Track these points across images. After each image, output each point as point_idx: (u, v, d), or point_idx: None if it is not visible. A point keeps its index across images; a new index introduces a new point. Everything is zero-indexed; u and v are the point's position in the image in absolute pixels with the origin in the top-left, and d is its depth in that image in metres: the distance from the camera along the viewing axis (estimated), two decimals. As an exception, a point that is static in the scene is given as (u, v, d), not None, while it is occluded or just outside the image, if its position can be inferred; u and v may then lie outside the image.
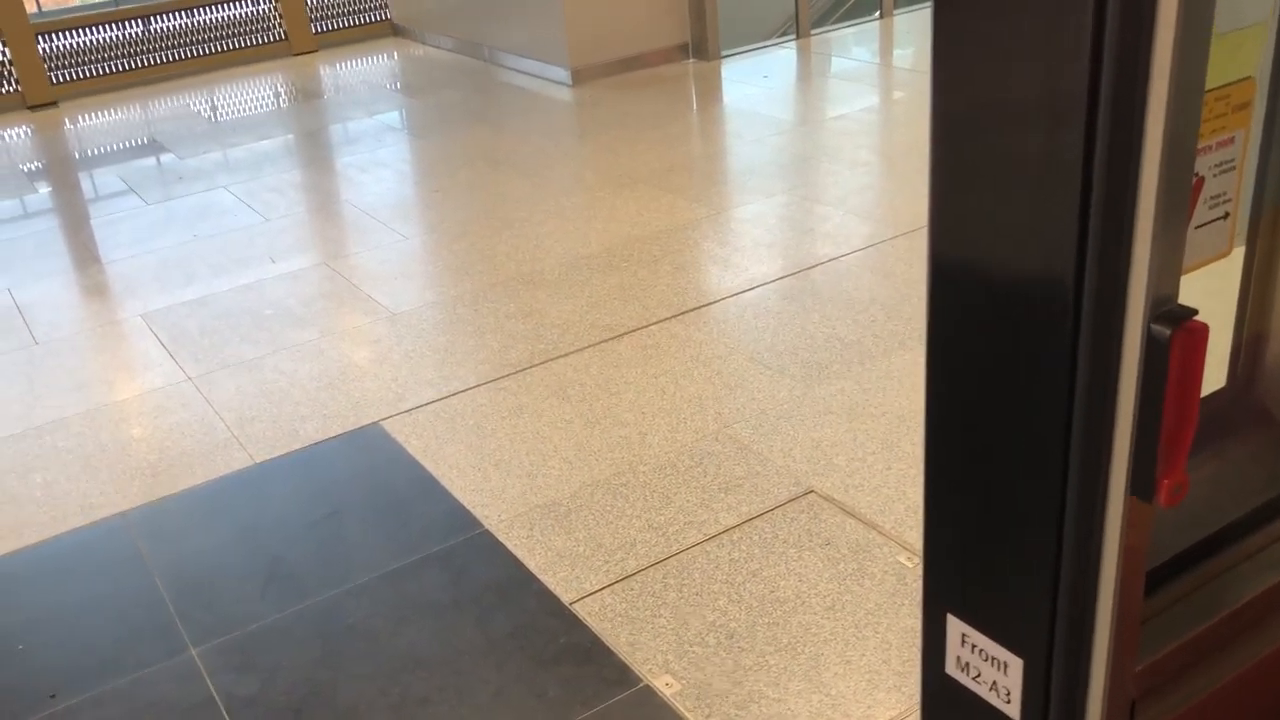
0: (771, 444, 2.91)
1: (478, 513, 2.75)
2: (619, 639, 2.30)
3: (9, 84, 7.38)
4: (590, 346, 3.50)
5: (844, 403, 3.05)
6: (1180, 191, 0.98)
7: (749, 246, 4.18)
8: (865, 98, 5.90)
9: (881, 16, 7.26)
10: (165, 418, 3.35)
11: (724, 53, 6.75)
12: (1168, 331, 0.99)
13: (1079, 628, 1.17)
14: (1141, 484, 1.06)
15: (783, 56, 6.86)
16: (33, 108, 7.36)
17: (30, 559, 2.76)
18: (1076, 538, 1.12)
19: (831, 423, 2.97)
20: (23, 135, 6.90)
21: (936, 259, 1.14)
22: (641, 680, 2.20)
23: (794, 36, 7.04)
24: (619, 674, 2.22)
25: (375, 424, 3.18)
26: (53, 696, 2.31)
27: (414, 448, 3.04)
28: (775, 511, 2.65)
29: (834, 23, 7.46)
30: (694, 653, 2.25)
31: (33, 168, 6.26)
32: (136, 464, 3.12)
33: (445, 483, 2.88)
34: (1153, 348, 1.00)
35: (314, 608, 2.49)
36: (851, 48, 6.90)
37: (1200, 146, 1.05)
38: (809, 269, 3.92)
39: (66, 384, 3.60)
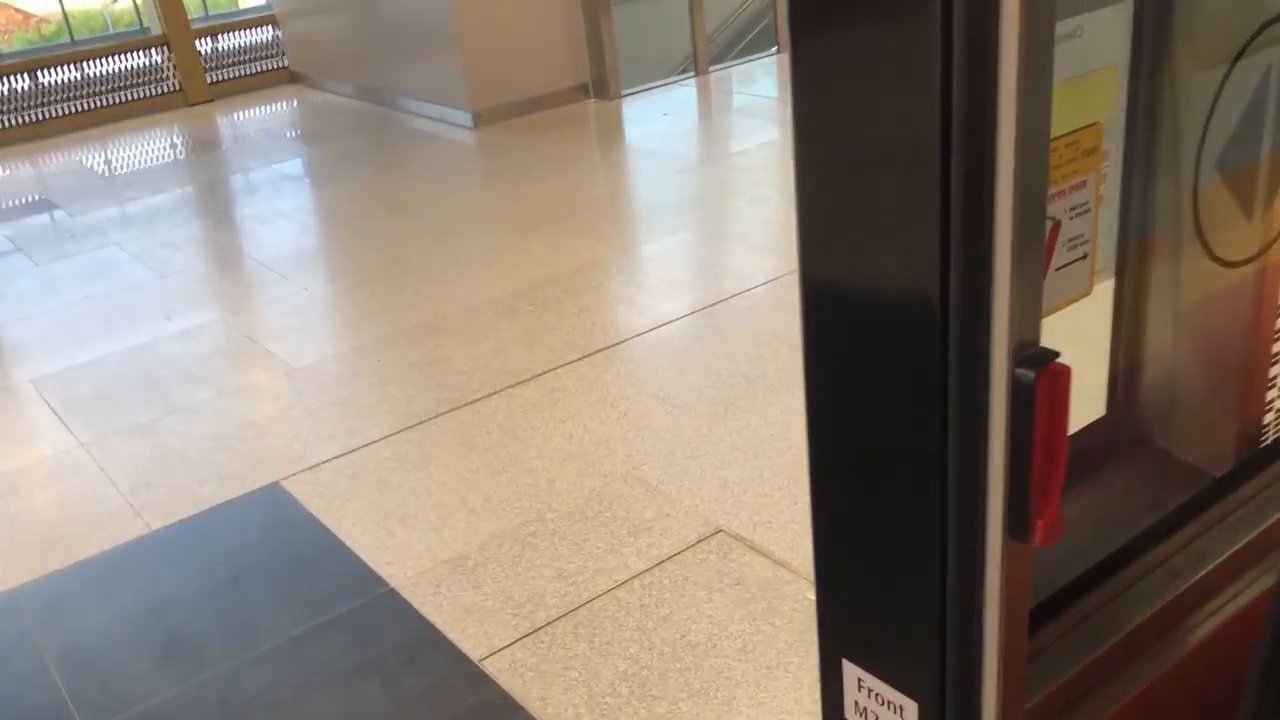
0: (680, 484, 2.90)
1: (382, 571, 2.69)
2: (530, 695, 2.26)
3: (-112, 144, 7.14)
4: (496, 393, 3.47)
5: (750, 439, 3.06)
6: (1034, 236, 0.99)
7: (654, 285, 4.20)
8: (764, 132, 5.98)
9: (779, 51, 7.39)
10: (56, 487, 3.23)
11: (624, 92, 6.80)
12: (1031, 374, 1.00)
13: (967, 669, 1.17)
14: (1017, 525, 1.07)
15: (683, 94, 6.93)
16: (-86, 168, 7.12)
17: (-89, 645, 2.63)
18: (958, 580, 1.12)
19: (738, 460, 2.98)
20: (-96, 197, 6.67)
21: (807, 305, 1.14)
22: (554, 735, 2.16)
23: (693, 74, 7.12)
24: (530, 731, 2.18)
25: (275, 484, 3.10)
26: (-65, 792, 2.19)
27: (315, 506, 2.97)
28: (685, 553, 2.64)
29: (732, 59, 7.57)
30: (607, 704, 2.22)
31: (-85, 230, 6.04)
32: (26, 538, 3.00)
33: (348, 541, 2.82)
34: (1018, 391, 1.01)
35: (215, 680, 2.41)
36: (750, 83, 7.00)
37: (1054, 191, 1.07)
38: (713, 305, 3.94)
39: (-50, 457, 3.46)
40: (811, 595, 2.42)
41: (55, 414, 3.66)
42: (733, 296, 3.98)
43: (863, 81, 1.00)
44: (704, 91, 6.93)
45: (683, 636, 2.38)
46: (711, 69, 7.15)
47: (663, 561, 2.62)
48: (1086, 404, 1.57)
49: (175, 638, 2.55)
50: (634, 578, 2.57)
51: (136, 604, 2.69)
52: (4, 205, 6.34)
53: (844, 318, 1.10)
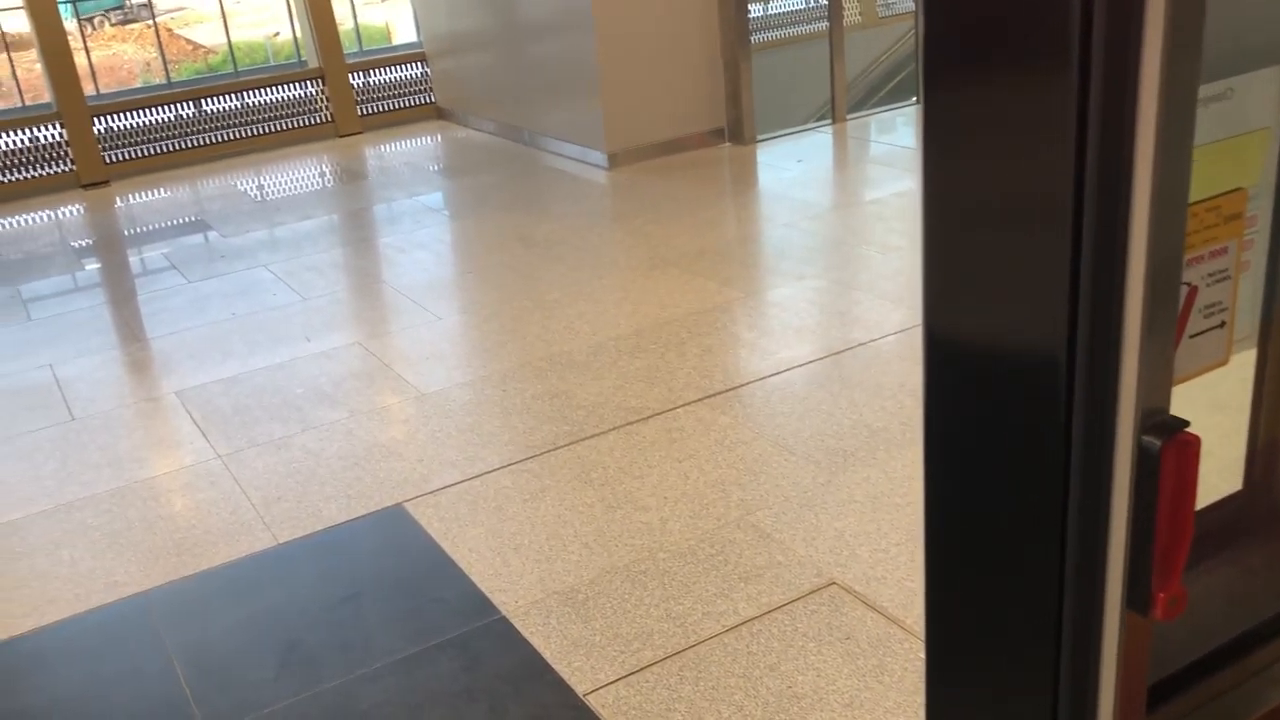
0: (794, 533, 2.88)
1: (495, 598, 2.74)
2: (631, 733, 2.27)
3: (64, 163, 7.61)
4: (615, 429, 3.50)
5: (869, 492, 3.02)
6: (1167, 301, 0.97)
7: (778, 330, 4.19)
8: (899, 182, 5.93)
9: (919, 101, 7.33)
10: (193, 496, 3.38)
11: (760, 137, 6.83)
12: (1158, 443, 0.98)
13: (1080, 743, 1.13)
14: (1137, 598, 1.04)
15: (819, 141, 6.93)
16: (86, 186, 7.58)
17: (54, 636, 2.78)
18: (1074, 649, 1.09)
19: (855, 512, 2.94)
20: (75, 213, 7.10)
21: (930, 360, 1.13)
22: (653, 776, 2.16)
23: (830, 121, 7.11)
24: (630, 769, 2.18)
25: (398, 505, 3.19)
26: (64, 779, 2.31)
27: (435, 530, 3.04)
28: (796, 603, 2.61)
29: (872, 107, 7.53)
30: (707, 749, 2.21)
31: (82, 245, 6.43)
32: (162, 542, 3.14)
33: (464, 566, 2.87)
34: (1144, 460, 0.99)
35: (328, 693, 2.48)
36: (888, 132, 6.96)
37: (1191, 257, 1.05)
38: (838, 354, 3.91)
39: (99, 460, 3.65)
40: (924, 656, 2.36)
41: (196, 425, 3.84)
42: (859, 346, 3.94)
43: (995, 137, 0.99)
44: (840, 139, 6.91)
45: (789, 687, 2.35)
46: (849, 117, 7.14)
47: (772, 610, 2.60)
48: (1222, 477, 1.52)
49: (294, 649, 2.63)
50: (743, 624, 2.56)
51: (259, 613, 2.79)
52: (163, 225, 6.70)
53: (967, 374, 1.09)
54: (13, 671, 2.70)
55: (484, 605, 2.71)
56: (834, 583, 2.67)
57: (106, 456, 3.68)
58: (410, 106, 8.68)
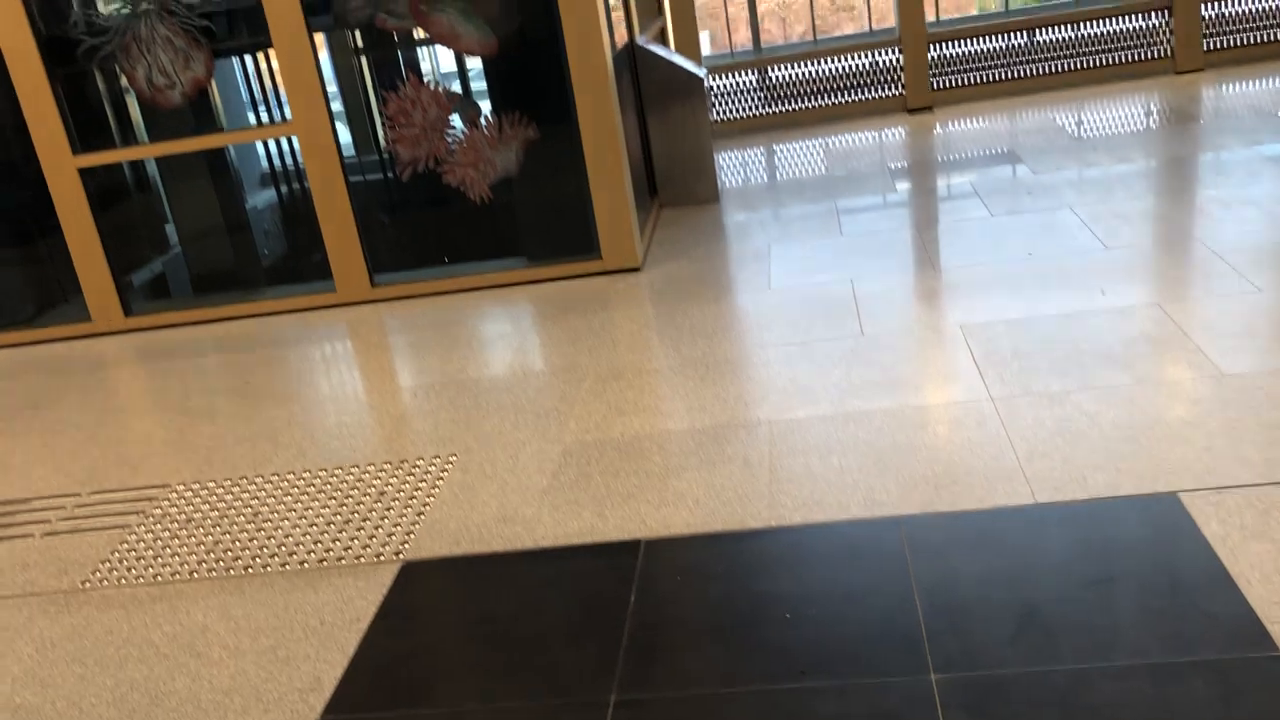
0: None
1: (1274, 629, 2.34)
2: None
3: (895, 87, 8.04)
4: None
5: None
6: None
7: None
8: None
9: None
10: (958, 432, 3.39)
11: None
12: None
13: None
14: None
15: None
16: (911, 110, 7.94)
17: (812, 536, 2.99)
18: None
19: None
20: (897, 135, 7.48)
21: None
22: None
23: None
24: None
25: (1173, 494, 2.87)
26: (803, 673, 2.47)
27: (1212, 532, 2.69)
28: None
29: None
30: None
31: (897, 167, 6.76)
32: (922, 471, 3.20)
33: (1240, 583, 2.50)
34: None
35: (1061, 674, 2.34)
36: None
37: None
38: None
39: (878, 379, 3.83)
40: None
41: (974, 362, 3.83)
42: None
43: None
44: None
45: None
46: None
47: None
48: None
49: (1034, 616, 2.52)
50: None
51: (1006, 569, 2.71)
52: (976, 154, 6.77)
53: None
54: (772, 557, 2.96)
55: (1259, 635, 2.34)
56: None
57: (885, 376, 3.84)
58: (1264, 42, 7.69)
